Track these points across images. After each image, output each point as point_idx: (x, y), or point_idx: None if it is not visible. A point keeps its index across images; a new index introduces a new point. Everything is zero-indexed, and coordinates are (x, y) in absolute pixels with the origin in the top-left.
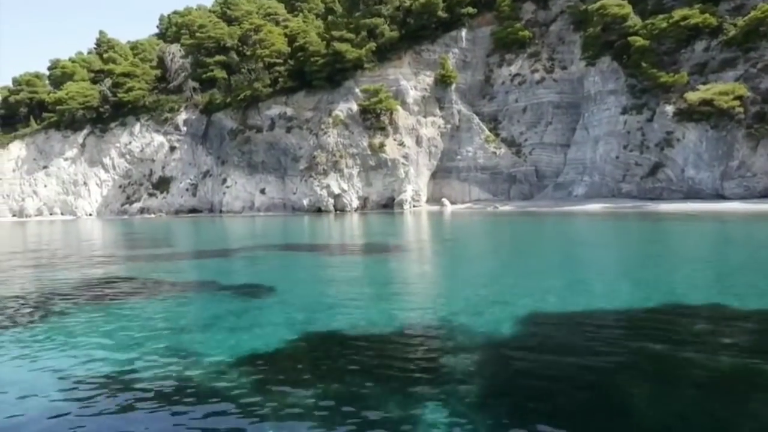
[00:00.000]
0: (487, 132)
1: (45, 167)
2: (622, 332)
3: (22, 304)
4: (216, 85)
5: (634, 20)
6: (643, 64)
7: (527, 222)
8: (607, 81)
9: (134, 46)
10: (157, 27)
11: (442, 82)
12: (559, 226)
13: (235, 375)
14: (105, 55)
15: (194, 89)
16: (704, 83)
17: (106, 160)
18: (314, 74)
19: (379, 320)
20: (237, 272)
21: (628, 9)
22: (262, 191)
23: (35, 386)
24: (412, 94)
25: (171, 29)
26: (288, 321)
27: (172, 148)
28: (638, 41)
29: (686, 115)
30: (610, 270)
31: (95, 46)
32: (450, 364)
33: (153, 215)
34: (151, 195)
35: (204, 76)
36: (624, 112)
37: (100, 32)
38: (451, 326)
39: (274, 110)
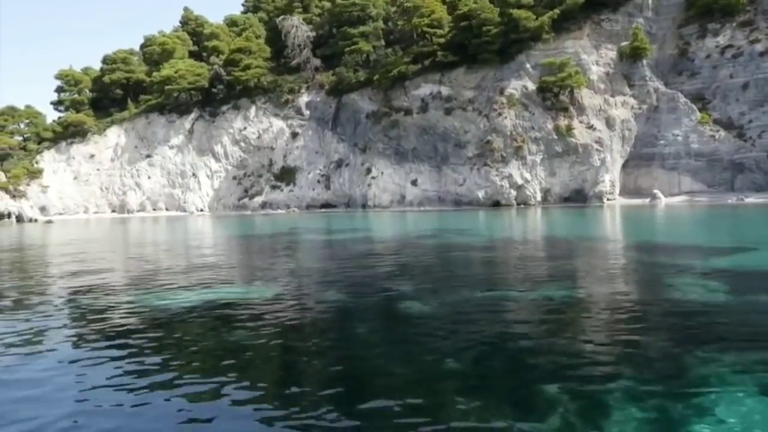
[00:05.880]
0: (699, 113)
1: (148, 156)
2: None
3: None
4: (342, 62)
5: None
6: None
7: None
8: None
9: (232, 22)
10: (243, 4)
11: (631, 55)
12: None
13: None
14: (206, 32)
15: (317, 68)
16: None
17: (218, 148)
18: (483, 47)
19: None
20: None
21: None
22: (414, 183)
23: None
24: (595, 70)
25: (272, 2)
26: None
27: (294, 135)
28: None
29: None
30: None
31: (180, 23)
32: None
33: (282, 211)
34: (274, 188)
35: (347, 49)
36: None
37: (185, 9)
38: None
39: (425, 89)
